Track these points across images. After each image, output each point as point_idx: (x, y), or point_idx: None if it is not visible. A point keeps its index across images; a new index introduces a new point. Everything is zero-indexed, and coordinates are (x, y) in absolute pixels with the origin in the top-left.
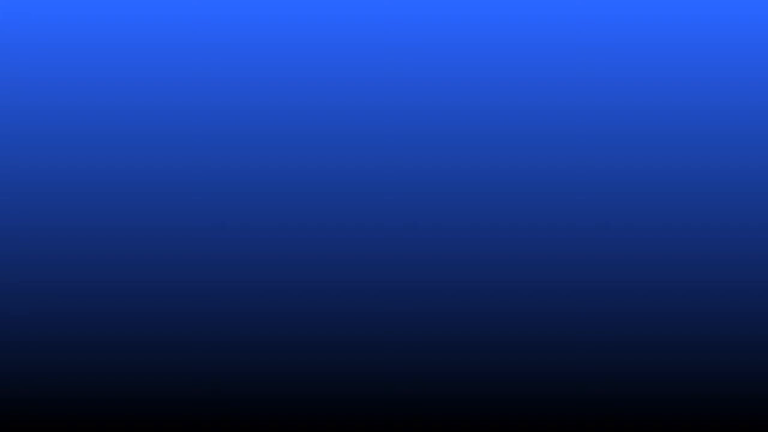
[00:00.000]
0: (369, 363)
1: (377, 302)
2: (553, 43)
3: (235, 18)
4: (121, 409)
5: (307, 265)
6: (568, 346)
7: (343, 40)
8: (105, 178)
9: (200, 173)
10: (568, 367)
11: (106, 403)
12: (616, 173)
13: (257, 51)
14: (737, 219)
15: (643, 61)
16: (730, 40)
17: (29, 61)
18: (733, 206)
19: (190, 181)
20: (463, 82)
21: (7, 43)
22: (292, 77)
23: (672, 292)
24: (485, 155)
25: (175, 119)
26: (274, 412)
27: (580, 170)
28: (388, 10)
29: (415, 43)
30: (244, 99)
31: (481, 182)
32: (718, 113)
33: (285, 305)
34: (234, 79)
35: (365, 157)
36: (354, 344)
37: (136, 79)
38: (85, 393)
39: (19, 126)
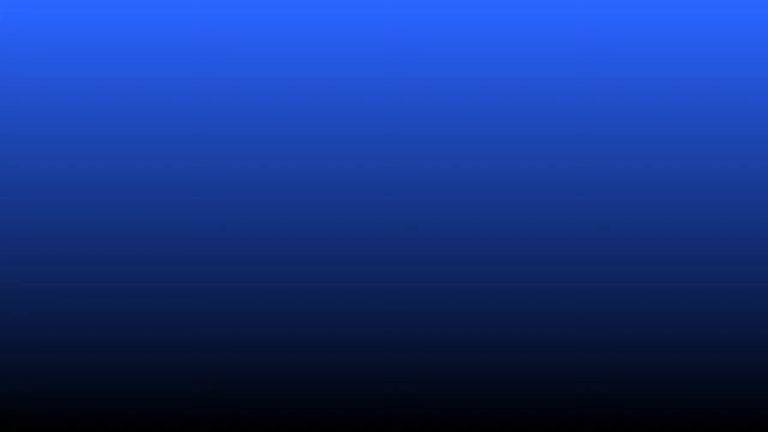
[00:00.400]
0: (369, 363)
1: (377, 302)
2: (553, 43)
3: (235, 18)
4: (121, 409)
5: (307, 265)
6: (568, 346)
7: (343, 40)
8: (105, 178)
9: (200, 173)
10: (568, 367)
11: (106, 403)
12: (616, 173)
13: (257, 51)
14: (737, 219)
15: (643, 61)
16: (730, 40)
17: (29, 61)
18: (733, 206)
19: (190, 181)
20: (463, 82)
21: (7, 43)
22: (292, 77)
23: (672, 292)
24: (485, 155)
25: (175, 119)
26: (274, 412)
27: (580, 170)
28: (388, 10)
29: (415, 43)
30: (244, 99)
31: (481, 182)
32: (718, 113)
33: (285, 305)
34: (234, 79)
35: (365, 157)
36: (354, 344)
37: (136, 79)
38: (85, 393)
39: (19, 126)
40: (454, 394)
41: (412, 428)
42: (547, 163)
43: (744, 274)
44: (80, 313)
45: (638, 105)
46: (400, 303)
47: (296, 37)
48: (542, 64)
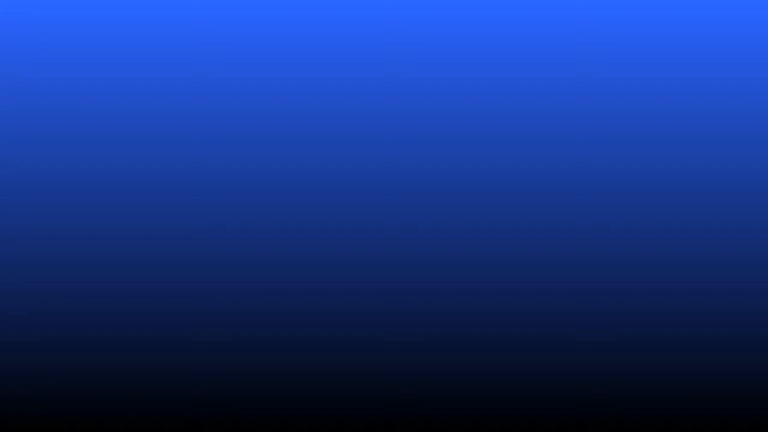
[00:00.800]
0: (369, 363)
1: (377, 302)
2: (553, 43)
3: (235, 18)
4: (121, 409)
5: (307, 265)
6: (568, 346)
7: (343, 40)
8: (105, 178)
9: (200, 173)
10: (568, 367)
11: (106, 403)
12: (616, 173)
13: (257, 51)
14: (737, 219)
15: (643, 61)
16: (730, 40)
17: (29, 61)
18: (733, 206)
19: (190, 181)
20: (463, 82)
21: (7, 43)
22: (292, 77)
23: (672, 292)
24: (485, 155)
25: (175, 119)
26: (274, 412)
27: (580, 170)
28: (388, 10)
29: (415, 43)
30: (244, 99)
31: (481, 182)
32: (718, 113)
33: (285, 305)
34: (234, 79)
35: (365, 157)
36: (354, 344)
37: (136, 79)
38: (85, 393)
39: (19, 126)
40: (454, 394)
41: (412, 428)
42: (547, 163)
43: (744, 274)
44: (80, 313)
45: (638, 105)
46: (400, 303)
47: (296, 37)
48: (542, 64)
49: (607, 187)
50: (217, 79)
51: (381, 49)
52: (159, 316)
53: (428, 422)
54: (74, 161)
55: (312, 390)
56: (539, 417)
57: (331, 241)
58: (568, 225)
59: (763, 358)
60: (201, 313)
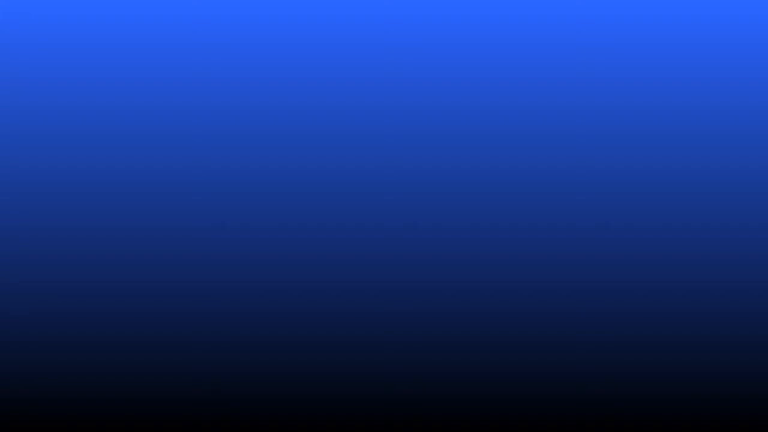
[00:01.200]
0: (369, 363)
1: (377, 302)
2: (553, 43)
3: (235, 18)
4: (121, 409)
5: (307, 265)
6: (568, 346)
7: (343, 40)
8: (105, 178)
9: (200, 173)
10: (568, 367)
11: (106, 403)
12: (616, 173)
13: (257, 51)
14: (737, 219)
15: (643, 61)
16: (730, 40)
17: (29, 61)
18: (733, 206)
19: (190, 181)
20: (463, 82)
21: (7, 43)
22: (292, 77)
23: (672, 292)
24: (485, 155)
25: (175, 119)
26: (274, 412)
27: (580, 170)
28: (388, 10)
29: (415, 43)
30: (244, 99)
31: (481, 182)
32: (718, 113)
33: (285, 305)
34: (234, 79)
35: (365, 157)
36: (354, 344)
37: (136, 79)
38: (85, 393)
39: (19, 126)
40: (454, 394)
41: (412, 428)
42: (547, 163)
43: (744, 274)
44: (80, 313)
45: (638, 105)
46: (400, 303)
47: (296, 37)
48: (542, 64)
49: (607, 187)
50: (217, 79)
51: (381, 49)
52: (159, 316)
53: (428, 422)
54: (74, 161)
55: (312, 390)
56: (539, 417)
57: (331, 241)
58: (568, 225)
59: (763, 358)
60: (201, 313)
